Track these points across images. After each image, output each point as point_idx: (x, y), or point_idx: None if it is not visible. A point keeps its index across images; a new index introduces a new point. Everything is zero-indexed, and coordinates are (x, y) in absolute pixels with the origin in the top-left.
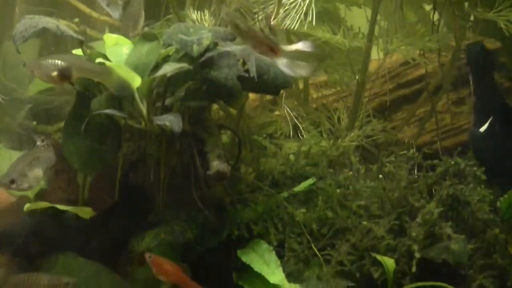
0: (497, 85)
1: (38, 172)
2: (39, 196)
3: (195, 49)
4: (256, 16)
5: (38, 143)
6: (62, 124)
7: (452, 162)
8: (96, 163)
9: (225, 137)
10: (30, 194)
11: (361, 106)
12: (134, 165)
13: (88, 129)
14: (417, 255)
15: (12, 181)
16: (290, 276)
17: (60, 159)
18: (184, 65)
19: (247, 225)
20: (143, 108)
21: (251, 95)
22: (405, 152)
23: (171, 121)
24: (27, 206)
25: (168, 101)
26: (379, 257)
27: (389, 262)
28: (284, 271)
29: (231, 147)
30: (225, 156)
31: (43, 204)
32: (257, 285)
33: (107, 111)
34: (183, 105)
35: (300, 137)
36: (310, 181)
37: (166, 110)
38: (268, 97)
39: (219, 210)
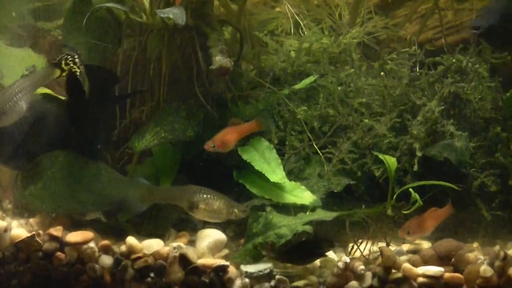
0: None
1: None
2: None
3: None
4: None
5: (26, 72)
6: (61, 20)
7: (454, 60)
8: (96, 60)
9: (226, 34)
10: None
11: (362, 2)
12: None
13: (88, 25)
14: (419, 153)
15: None
16: (291, 174)
17: None
18: None
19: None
20: (146, 1)
21: None
22: (407, 49)
23: (175, 14)
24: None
25: None
26: (380, 155)
27: (390, 161)
28: (284, 169)
29: (231, 44)
30: (228, 51)
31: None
32: (258, 183)
33: (109, 4)
34: None
35: (301, 34)
36: (311, 78)
37: (168, 4)
38: None
39: (220, 107)
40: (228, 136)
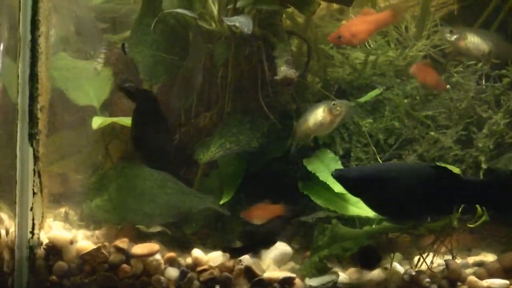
0: None
1: None
2: (104, 106)
3: None
4: None
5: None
6: (128, 33)
7: None
8: (161, 73)
9: (292, 46)
10: (96, 104)
11: (428, 15)
12: None
13: (154, 38)
14: (484, 165)
15: None
16: None
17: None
18: None
19: None
20: (215, 9)
21: None
22: (473, 62)
23: (241, 22)
24: (94, 121)
25: (239, 4)
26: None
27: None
28: None
29: (297, 57)
30: (293, 63)
31: (109, 120)
32: (322, 194)
33: (178, 10)
34: (254, 8)
35: (367, 46)
36: (376, 91)
37: (237, 12)
38: (335, 6)
39: (284, 119)
40: (359, 27)
